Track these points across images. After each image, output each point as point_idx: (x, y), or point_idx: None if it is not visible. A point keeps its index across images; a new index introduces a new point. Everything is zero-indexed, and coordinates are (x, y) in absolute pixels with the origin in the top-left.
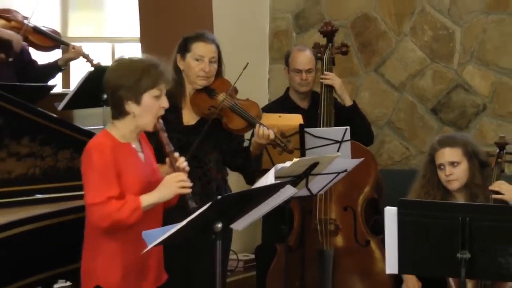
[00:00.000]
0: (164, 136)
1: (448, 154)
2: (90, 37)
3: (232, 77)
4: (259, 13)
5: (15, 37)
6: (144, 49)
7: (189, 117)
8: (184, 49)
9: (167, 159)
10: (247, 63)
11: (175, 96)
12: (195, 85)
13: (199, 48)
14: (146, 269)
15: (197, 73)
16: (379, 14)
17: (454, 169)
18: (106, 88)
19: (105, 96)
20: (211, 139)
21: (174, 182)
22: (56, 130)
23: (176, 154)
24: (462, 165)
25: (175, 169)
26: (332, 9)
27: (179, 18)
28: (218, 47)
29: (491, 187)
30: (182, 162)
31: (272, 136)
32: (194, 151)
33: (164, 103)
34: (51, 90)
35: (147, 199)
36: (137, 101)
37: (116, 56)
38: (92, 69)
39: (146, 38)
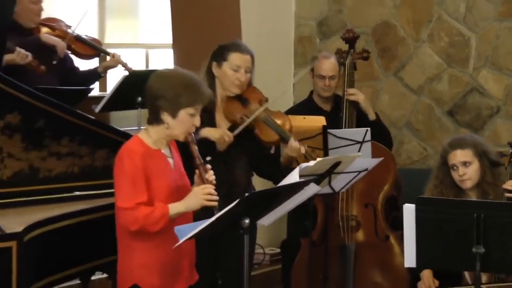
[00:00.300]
0: (195, 149)
1: (460, 155)
2: (126, 44)
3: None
4: (285, 20)
5: (60, 44)
6: (176, 55)
7: (221, 121)
8: (220, 57)
9: (197, 171)
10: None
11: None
12: (228, 92)
13: (236, 59)
14: (180, 269)
15: (232, 81)
16: (398, 22)
17: (466, 169)
18: (148, 93)
19: (139, 99)
20: (240, 145)
21: (202, 194)
22: (94, 131)
23: (208, 166)
24: (474, 165)
25: (204, 181)
26: (353, 16)
27: (210, 26)
28: (252, 57)
29: (505, 186)
30: (211, 175)
31: (303, 151)
32: (223, 156)
33: (197, 122)
34: (89, 93)
35: (174, 208)
36: (173, 115)
37: (150, 62)
38: (127, 73)
39: (178, 44)
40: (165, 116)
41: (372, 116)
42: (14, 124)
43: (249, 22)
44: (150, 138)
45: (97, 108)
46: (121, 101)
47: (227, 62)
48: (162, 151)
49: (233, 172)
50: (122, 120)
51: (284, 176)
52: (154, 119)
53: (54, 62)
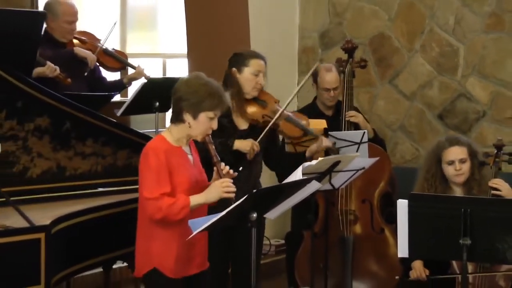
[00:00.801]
0: (212, 148)
1: (458, 152)
2: (145, 53)
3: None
4: (290, 32)
5: (91, 56)
6: (191, 64)
7: (240, 122)
8: (241, 63)
9: (215, 168)
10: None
11: None
12: (247, 95)
13: (257, 64)
14: (193, 256)
15: (254, 85)
16: (393, 34)
17: (462, 165)
18: (174, 94)
19: (157, 104)
20: (262, 143)
21: (221, 187)
22: (115, 133)
23: (222, 164)
24: (468, 163)
25: (221, 176)
26: (352, 29)
27: (221, 37)
28: (266, 63)
29: (490, 184)
30: (227, 170)
31: (330, 144)
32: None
33: (214, 125)
34: (111, 99)
35: (195, 200)
36: (194, 116)
37: (167, 70)
38: (146, 81)
39: (193, 54)
40: (187, 116)
41: (370, 134)
42: (44, 126)
43: (258, 34)
44: (172, 136)
45: (119, 112)
46: (140, 106)
47: (248, 68)
48: (183, 148)
49: (254, 173)
50: (141, 123)
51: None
52: (177, 118)
53: (85, 74)
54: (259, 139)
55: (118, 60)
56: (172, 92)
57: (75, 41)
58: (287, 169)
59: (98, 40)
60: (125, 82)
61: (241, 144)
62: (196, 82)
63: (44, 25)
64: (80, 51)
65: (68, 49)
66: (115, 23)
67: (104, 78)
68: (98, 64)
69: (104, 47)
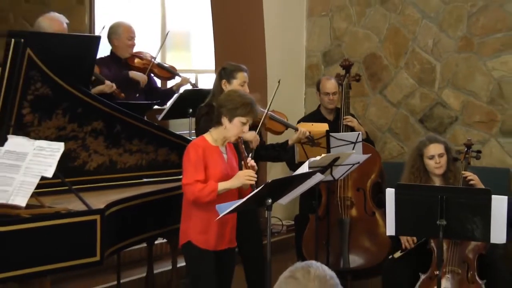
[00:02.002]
0: (242, 147)
1: (437, 148)
2: (180, 69)
3: (278, 97)
4: (298, 52)
5: (142, 78)
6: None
7: None
8: (230, 76)
9: (243, 162)
10: (279, 80)
11: None
12: None
13: (243, 76)
14: (223, 234)
15: None
16: (382, 53)
17: (441, 159)
18: (217, 103)
19: (190, 110)
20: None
21: (243, 176)
22: (157, 134)
23: (249, 158)
24: (445, 157)
25: (247, 167)
26: (349, 49)
27: (242, 56)
28: (247, 73)
29: (464, 174)
30: (252, 163)
31: (307, 133)
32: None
33: (246, 129)
34: (153, 106)
35: (222, 185)
36: (230, 120)
37: (199, 83)
38: (181, 91)
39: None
40: (224, 120)
41: (364, 136)
42: (99, 129)
43: (272, 53)
44: (211, 137)
45: (160, 117)
46: (177, 112)
47: (236, 80)
48: (220, 148)
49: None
50: (177, 126)
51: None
52: (217, 122)
53: (137, 95)
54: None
55: (168, 71)
56: (216, 103)
57: (136, 59)
58: (270, 159)
59: (154, 58)
60: (174, 89)
61: (246, 135)
62: (234, 94)
63: (110, 47)
64: (134, 74)
65: (125, 72)
66: (163, 42)
67: (158, 88)
68: (152, 74)
69: (157, 62)
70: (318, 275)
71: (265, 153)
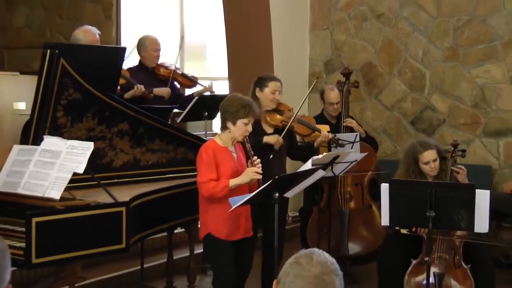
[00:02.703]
0: (248, 145)
1: (431, 155)
2: (198, 77)
3: (285, 101)
4: (302, 61)
5: (166, 93)
6: (230, 85)
7: (266, 128)
8: (263, 85)
9: (249, 160)
10: (304, 100)
11: None
12: (267, 108)
13: (275, 85)
14: (238, 225)
15: (273, 100)
16: (378, 62)
17: (435, 163)
18: (220, 110)
19: (205, 113)
20: (284, 140)
21: (251, 172)
22: (176, 134)
23: (255, 157)
24: (437, 160)
25: (253, 165)
26: (348, 59)
27: (252, 65)
28: (281, 83)
29: (453, 168)
30: (258, 161)
31: (330, 136)
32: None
33: (249, 128)
34: (173, 110)
35: (233, 181)
36: (233, 123)
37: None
38: (197, 97)
39: (232, 77)
40: (229, 124)
41: (363, 135)
42: (124, 130)
43: (279, 62)
44: (220, 139)
45: (179, 120)
46: (194, 115)
47: (267, 88)
48: (229, 148)
49: (280, 163)
50: (194, 127)
51: (306, 152)
52: (223, 126)
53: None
54: (282, 136)
55: (190, 80)
56: (220, 109)
57: (161, 68)
58: (300, 158)
59: (178, 68)
60: (196, 95)
61: (269, 138)
62: (233, 98)
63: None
64: (158, 91)
65: (149, 90)
66: (178, 53)
67: (181, 94)
68: (176, 83)
69: (180, 72)
70: (320, 261)
71: (296, 153)
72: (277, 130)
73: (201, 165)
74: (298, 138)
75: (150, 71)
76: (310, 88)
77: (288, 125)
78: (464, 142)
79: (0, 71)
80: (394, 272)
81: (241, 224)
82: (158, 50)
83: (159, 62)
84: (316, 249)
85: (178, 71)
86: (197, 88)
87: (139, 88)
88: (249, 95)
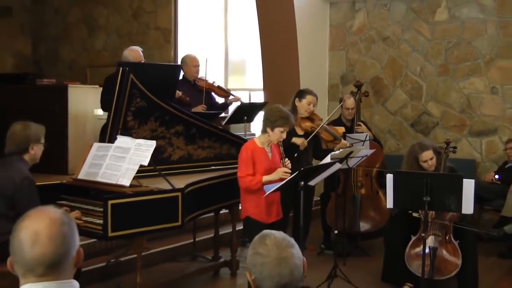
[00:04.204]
0: (281, 149)
1: (428, 154)
2: (239, 88)
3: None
4: (323, 75)
5: (200, 108)
6: (265, 95)
7: (298, 130)
8: (301, 96)
9: (281, 161)
10: (331, 114)
11: None
12: (302, 115)
13: (311, 98)
14: (271, 210)
15: (307, 110)
16: (384, 76)
17: (432, 161)
18: (263, 116)
19: (245, 118)
20: (310, 143)
21: (281, 172)
22: (221, 134)
23: (286, 159)
24: (434, 158)
25: (285, 166)
26: (360, 74)
27: (282, 79)
28: (317, 98)
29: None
30: (288, 162)
31: (348, 144)
32: (301, 152)
33: (284, 135)
34: (219, 115)
35: (266, 177)
36: (272, 129)
37: (252, 98)
38: (239, 103)
39: (266, 89)
40: (268, 129)
41: (371, 137)
42: (180, 131)
43: (304, 76)
44: (259, 141)
45: (223, 122)
46: (236, 119)
47: (305, 99)
48: (265, 149)
49: (307, 160)
50: (236, 129)
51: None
52: (263, 130)
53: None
54: (308, 139)
55: (225, 91)
56: (263, 116)
57: (200, 81)
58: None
59: (213, 82)
60: (229, 103)
61: (296, 140)
62: (275, 109)
63: (182, 72)
64: (196, 109)
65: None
66: (206, 61)
67: (217, 103)
68: (212, 93)
69: (216, 84)
70: (274, 243)
71: (320, 155)
72: (306, 134)
73: (241, 162)
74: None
75: (192, 84)
76: (327, 119)
77: (316, 131)
78: (453, 140)
79: (84, 85)
80: (397, 245)
81: (273, 210)
82: (197, 66)
83: (201, 77)
84: (265, 232)
85: (214, 84)
86: (230, 98)
87: (178, 94)
88: (289, 103)
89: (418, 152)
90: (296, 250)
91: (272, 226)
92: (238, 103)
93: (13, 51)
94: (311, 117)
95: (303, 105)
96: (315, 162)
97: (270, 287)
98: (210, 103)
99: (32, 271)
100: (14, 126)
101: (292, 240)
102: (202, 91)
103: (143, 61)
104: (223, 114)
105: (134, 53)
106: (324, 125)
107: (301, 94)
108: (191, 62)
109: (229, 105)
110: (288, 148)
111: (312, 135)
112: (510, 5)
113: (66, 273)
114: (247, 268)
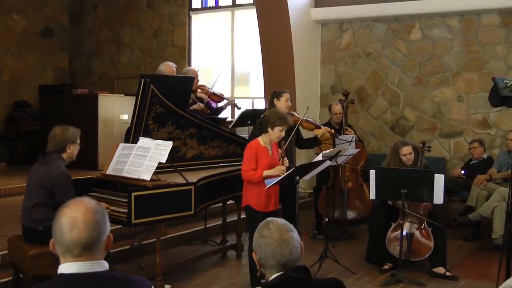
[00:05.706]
0: (280, 150)
1: (408, 149)
2: (243, 96)
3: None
4: (315, 85)
5: (196, 107)
6: (266, 103)
7: None
8: (279, 96)
9: (280, 159)
10: (307, 107)
11: None
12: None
13: (286, 96)
14: (270, 200)
15: (286, 106)
16: (367, 86)
17: (411, 155)
18: (264, 118)
19: (249, 121)
20: (293, 135)
21: (279, 169)
22: (228, 136)
23: (285, 158)
24: (413, 153)
25: (283, 163)
26: (347, 84)
27: (281, 87)
28: (289, 95)
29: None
30: (287, 162)
31: (328, 129)
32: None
33: (283, 134)
34: (226, 119)
35: (266, 172)
36: (272, 129)
37: (255, 104)
38: (243, 109)
39: (267, 97)
40: (269, 129)
41: (356, 138)
42: (193, 133)
43: (299, 86)
44: (262, 140)
45: (230, 126)
46: (241, 122)
47: (282, 97)
48: (267, 147)
49: (291, 148)
50: (241, 131)
51: (311, 145)
52: (264, 131)
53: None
54: (292, 133)
55: (219, 97)
56: (264, 119)
57: (199, 89)
58: (306, 147)
59: (210, 88)
60: (224, 107)
61: (317, 131)
62: (274, 112)
63: None
64: (194, 108)
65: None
66: (218, 76)
67: (213, 108)
68: (210, 100)
69: (213, 91)
70: (276, 227)
71: (303, 144)
72: (290, 128)
73: (246, 157)
74: (305, 132)
75: (193, 91)
76: (305, 112)
77: (299, 122)
78: (427, 141)
79: (112, 94)
80: (379, 231)
81: (272, 200)
82: (197, 76)
83: (201, 85)
84: (269, 219)
85: (210, 91)
86: (225, 102)
87: (200, 106)
88: (267, 104)
89: (400, 147)
90: (295, 234)
91: (269, 214)
92: (243, 110)
93: (53, 65)
94: (290, 113)
95: (282, 103)
96: (298, 151)
97: (273, 265)
98: (210, 109)
99: (70, 251)
100: (55, 129)
101: (291, 226)
102: (201, 97)
103: (174, 75)
104: (229, 119)
105: (169, 68)
106: (304, 117)
107: (278, 94)
108: (193, 74)
109: (224, 108)
110: (307, 140)
111: (296, 127)
112: (473, 26)
113: (98, 254)
114: (253, 249)
